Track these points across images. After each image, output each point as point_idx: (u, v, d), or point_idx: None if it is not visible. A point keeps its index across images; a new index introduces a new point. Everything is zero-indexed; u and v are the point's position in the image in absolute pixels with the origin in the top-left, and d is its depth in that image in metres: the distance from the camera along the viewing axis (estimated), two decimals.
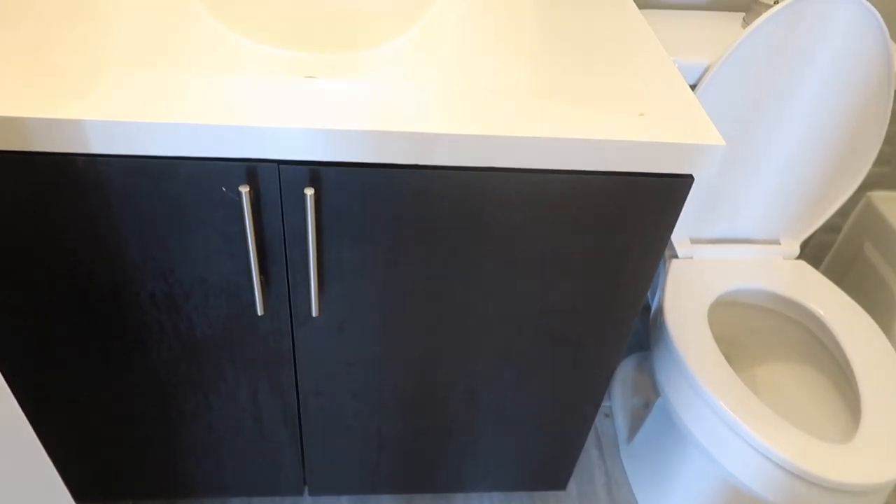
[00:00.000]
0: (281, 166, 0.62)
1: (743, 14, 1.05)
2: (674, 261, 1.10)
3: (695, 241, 1.12)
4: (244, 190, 0.61)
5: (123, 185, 0.62)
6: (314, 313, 0.73)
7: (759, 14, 0.96)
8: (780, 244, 1.13)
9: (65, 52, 0.65)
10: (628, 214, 0.69)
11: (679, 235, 1.11)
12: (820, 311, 1.04)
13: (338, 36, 0.90)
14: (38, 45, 0.65)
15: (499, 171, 0.64)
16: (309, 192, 0.62)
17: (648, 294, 1.21)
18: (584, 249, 0.71)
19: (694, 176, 0.66)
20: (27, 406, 0.84)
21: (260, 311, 0.72)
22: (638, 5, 1.06)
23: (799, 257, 1.14)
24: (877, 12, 0.90)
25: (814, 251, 1.41)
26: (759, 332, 1.13)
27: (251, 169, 0.62)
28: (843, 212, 1.33)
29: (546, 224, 0.69)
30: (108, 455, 0.93)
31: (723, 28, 1.00)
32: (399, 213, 0.67)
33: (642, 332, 1.44)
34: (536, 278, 0.74)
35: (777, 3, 0.98)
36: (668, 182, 0.66)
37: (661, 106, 0.66)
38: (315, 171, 0.62)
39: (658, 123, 0.64)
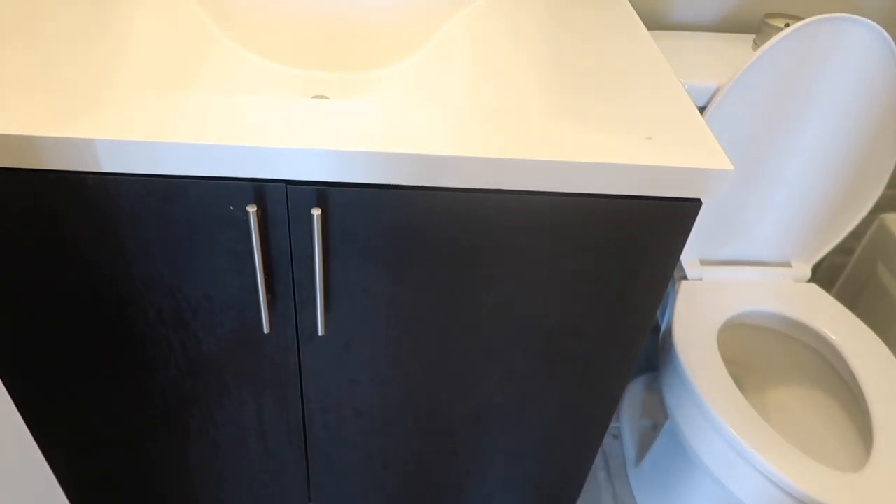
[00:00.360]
0: (288, 186, 0.62)
1: (753, 36, 1.05)
2: (683, 282, 1.09)
3: (704, 263, 1.11)
4: (252, 209, 0.62)
5: (133, 203, 0.63)
6: (320, 332, 0.73)
7: (769, 36, 0.97)
8: (790, 267, 1.12)
9: (77, 69, 0.66)
10: (635, 238, 0.68)
11: (688, 257, 1.11)
12: (831, 336, 1.03)
13: (348, 55, 0.91)
14: (51, 62, 0.66)
15: (506, 193, 0.64)
16: (316, 212, 0.62)
17: (658, 314, 1.21)
18: (591, 272, 0.71)
19: (702, 200, 0.66)
20: (30, 422, 0.85)
21: (266, 329, 0.73)
22: (647, 26, 1.06)
23: (811, 280, 1.13)
24: (888, 35, 0.90)
25: (826, 273, 1.39)
26: (770, 356, 1.12)
27: (259, 188, 0.62)
28: (856, 234, 1.32)
29: (553, 246, 0.69)
30: (112, 471, 0.93)
31: (733, 50, 1.00)
32: (406, 234, 0.67)
33: (652, 353, 1.43)
34: (542, 299, 0.74)
35: (788, 25, 0.99)
36: (675, 206, 0.66)
37: (669, 129, 0.66)
38: (322, 192, 0.63)
39: (666, 147, 0.64)
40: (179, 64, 0.79)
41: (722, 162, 0.63)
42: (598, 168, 0.62)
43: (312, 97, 0.88)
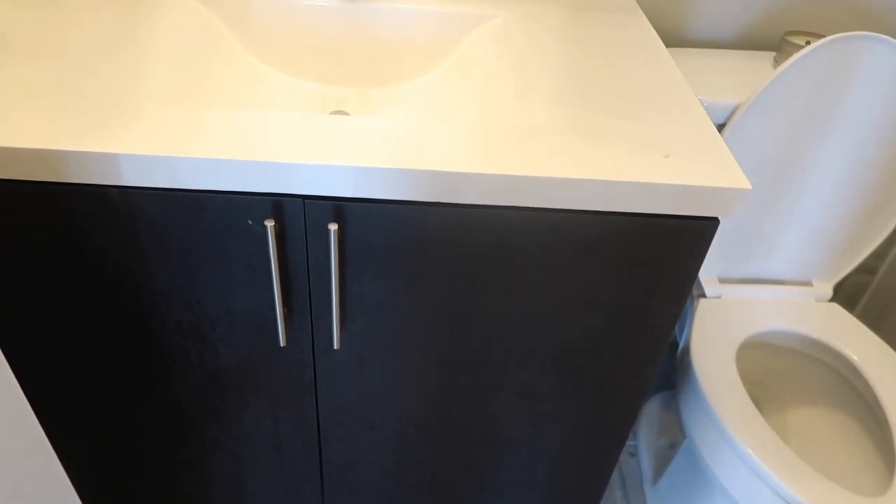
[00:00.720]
0: (306, 201, 0.63)
1: (774, 53, 1.05)
2: (701, 300, 1.08)
3: (723, 281, 1.10)
4: (269, 224, 0.63)
5: (154, 217, 0.64)
6: (336, 345, 0.73)
7: (790, 54, 0.96)
8: (811, 286, 1.11)
9: (103, 84, 0.67)
10: (652, 256, 0.68)
11: (707, 274, 1.10)
12: (853, 356, 1.01)
13: (368, 71, 0.92)
14: (78, 77, 0.68)
15: (522, 210, 0.64)
16: (332, 227, 0.63)
17: (676, 331, 1.20)
18: (608, 289, 0.71)
19: (720, 219, 0.65)
20: (49, 431, 0.86)
21: (282, 342, 0.73)
22: (667, 44, 1.06)
23: (833, 299, 1.12)
24: None
25: (849, 292, 1.37)
26: (790, 376, 1.11)
27: (277, 203, 0.63)
28: (880, 253, 1.30)
29: (569, 263, 0.69)
30: (129, 480, 0.94)
31: (753, 67, 1.00)
32: (422, 249, 0.67)
33: (670, 370, 1.42)
34: (558, 316, 0.74)
35: (808, 43, 0.98)
36: (692, 224, 0.65)
37: (687, 147, 0.66)
38: (339, 207, 0.63)
39: (683, 165, 0.64)
40: (201, 78, 0.80)
41: (740, 181, 0.62)
42: (615, 186, 0.62)
43: (331, 112, 0.89)
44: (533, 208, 0.64)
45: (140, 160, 0.59)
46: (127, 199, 0.62)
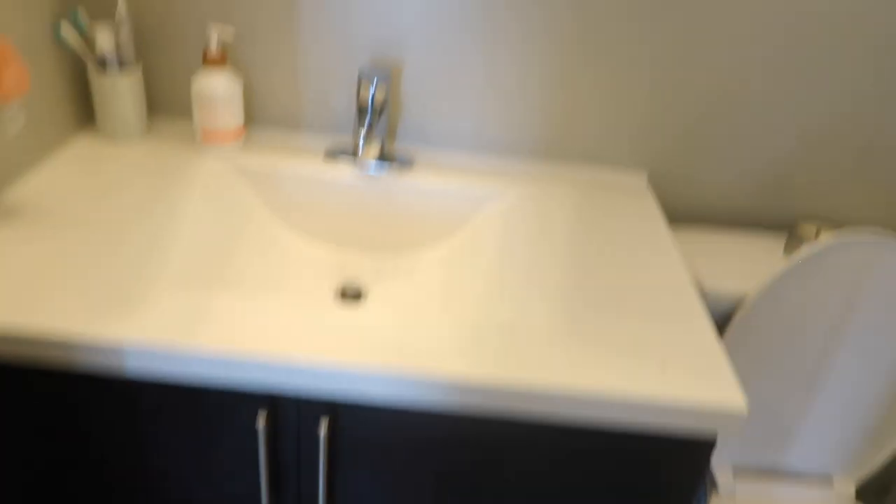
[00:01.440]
0: (300, 400, 0.64)
1: (786, 236, 1.04)
2: (714, 498, 1.03)
3: (738, 471, 1.05)
4: (261, 424, 0.63)
5: (151, 404, 0.65)
6: None
7: (800, 243, 0.97)
8: (832, 486, 1.05)
9: (121, 262, 0.69)
10: (646, 471, 0.66)
11: (722, 462, 1.05)
12: None
13: (384, 240, 0.96)
14: (98, 252, 0.69)
15: (514, 421, 0.64)
16: (322, 429, 0.63)
17: None
18: (602, 502, 0.68)
19: (716, 440, 0.64)
20: None
21: None
22: (674, 218, 1.07)
23: (859, 496, 1.05)
24: None
25: (882, 483, 1.29)
26: None
27: (271, 399, 0.64)
28: None
29: (562, 474, 0.67)
30: None
31: (763, 253, 0.99)
32: (413, 453, 0.66)
33: None
34: None
35: (819, 231, 0.98)
36: (688, 441, 0.64)
37: (685, 357, 0.66)
38: (332, 406, 0.64)
39: (679, 378, 0.63)
40: (222, 249, 0.83)
41: (737, 400, 0.61)
42: (608, 402, 0.61)
43: (343, 286, 0.91)
44: (524, 420, 0.64)
45: (141, 350, 0.60)
46: (127, 385, 0.64)
